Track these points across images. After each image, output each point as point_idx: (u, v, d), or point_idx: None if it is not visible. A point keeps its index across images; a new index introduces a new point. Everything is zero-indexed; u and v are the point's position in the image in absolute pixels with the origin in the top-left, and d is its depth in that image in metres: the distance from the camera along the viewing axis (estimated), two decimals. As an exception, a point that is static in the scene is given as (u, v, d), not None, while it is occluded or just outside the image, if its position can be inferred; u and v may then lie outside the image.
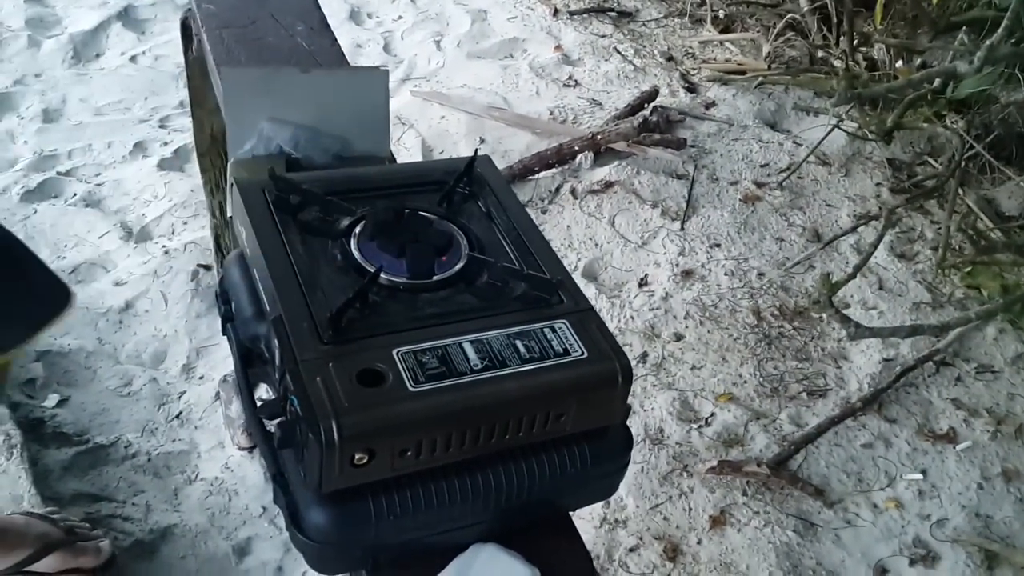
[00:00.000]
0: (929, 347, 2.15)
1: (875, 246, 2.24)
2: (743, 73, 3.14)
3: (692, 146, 2.75)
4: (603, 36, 3.36)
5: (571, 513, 0.85)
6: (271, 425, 0.73)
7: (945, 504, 1.83)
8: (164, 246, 2.26)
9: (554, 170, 2.61)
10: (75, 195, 2.42)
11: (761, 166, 2.73)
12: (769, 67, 3.16)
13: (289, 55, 1.33)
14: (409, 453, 0.69)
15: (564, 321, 0.77)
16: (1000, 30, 2.23)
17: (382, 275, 0.77)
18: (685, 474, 1.84)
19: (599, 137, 2.63)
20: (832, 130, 2.77)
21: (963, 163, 2.62)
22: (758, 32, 3.41)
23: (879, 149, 2.87)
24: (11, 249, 1.06)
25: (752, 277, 2.34)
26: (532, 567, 0.75)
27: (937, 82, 2.79)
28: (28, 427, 1.76)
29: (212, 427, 1.85)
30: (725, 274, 2.33)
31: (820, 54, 3.23)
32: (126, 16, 3.23)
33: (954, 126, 2.82)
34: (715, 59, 3.28)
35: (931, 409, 2.04)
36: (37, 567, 1.42)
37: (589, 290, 2.23)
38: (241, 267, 0.85)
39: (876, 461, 1.91)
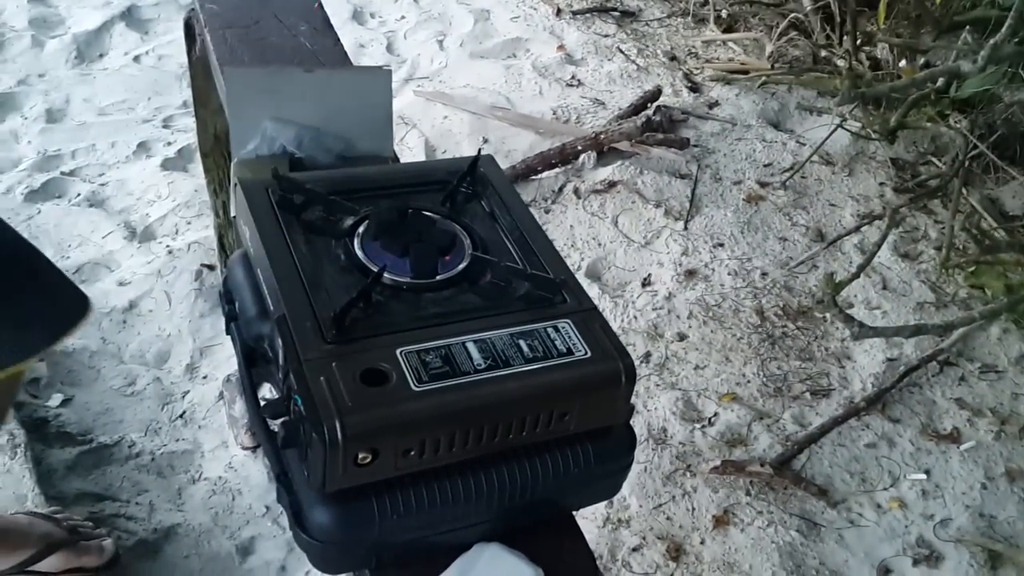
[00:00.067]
0: (933, 347, 2.15)
1: (879, 246, 2.24)
2: (746, 73, 3.14)
3: (695, 146, 2.75)
4: (606, 36, 3.36)
5: (574, 513, 0.85)
6: (275, 425, 0.73)
7: (949, 504, 1.83)
8: (168, 246, 2.26)
9: (557, 170, 2.61)
10: (79, 195, 2.43)
11: (764, 166, 2.73)
12: (772, 67, 3.16)
13: (292, 55, 1.34)
14: (412, 453, 0.69)
15: (567, 321, 0.77)
16: (1004, 29, 2.22)
17: (385, 275, 0.77)
18: (688, 474, 1.84)
19: (602, 137, 2.63)
20: (835, 130, 2.76)
21: (967, 163, 2.62)
22: (761, 32, 3.41)
23: (883, 149, 2.86)
24: (29, 258, 1.07)
25: (755, 277, 2.33)
26: (535, 567, 0.75)
27: (940, 81, 2.79)
28: (32, 426, 1.76)
29: (216, 427, 1.86)
30: (728, 274, 2.33)
31: (823, 53, 3.23)
32: (129, 16, 3.23)
33: (958, 126, 2.82)
34: (718, 59, 3.27)
35: (935, 409, 2.03)
36: (40, 567, 1.42)
37: (592, 290, 2.23)
38: (245, 267, 0.85)
39: (880, 461, 1.91)
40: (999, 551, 1.74)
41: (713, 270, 2.34)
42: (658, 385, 2.02)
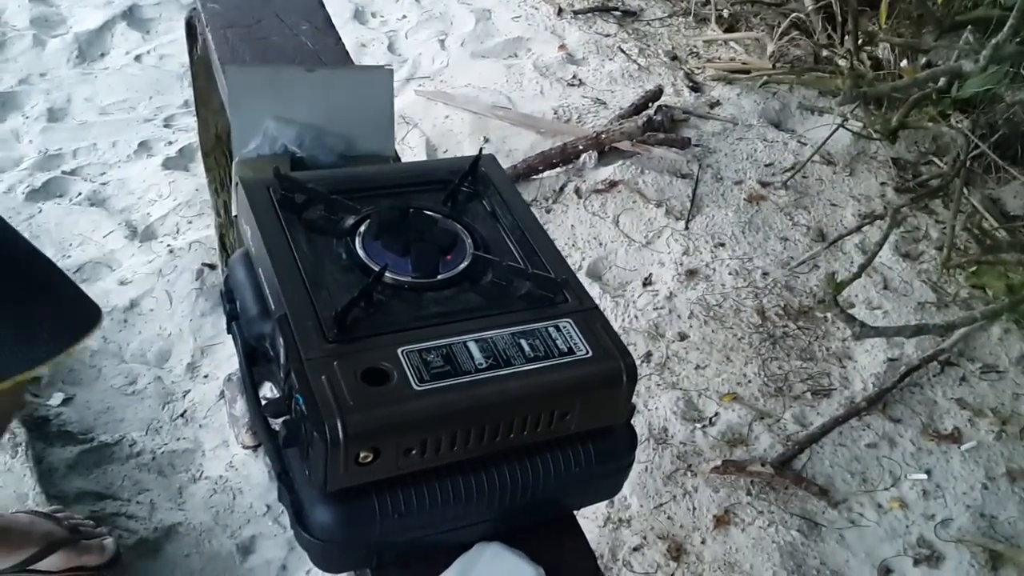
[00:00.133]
0: (934, 347, 2.15)
1: (880, 246, 2.23)
2: (747, 72, 3.14)
3: (696, 145, 2.75)
4: (607, 35, 3.36)
5: (575, 512, 0.85)
6: (276, 423, 0.73)
7: (949, 504, 1.83)
8: (169, 245, 2.26)
9: (558, 169, 2.61)
10: (80, 194, 2.43)
11: (765, 165, 2.73)
12: (773, 66, 3.15)
13: (294, 54, 1.34)
14: (414, 452, 0.69)
15: (569, 320, 0.77)
16: (1005, 29, 2.22)
17: (387, 274, 0.77)
18: (689, 474, 1.84)
19: (603, 136, 2.63)
20: (837, 129, 2.76)
21: (968, 162, 2.62)
22: (762, 31, 3.41)
23: (884, 148, 2.86)
24: (41, 268, 1.07)
25: (756, 277, 2.33)
26: (536, 566, 0.75)
27: (942, 81, 2.79)
28: (33, 425, 1.76)
29: (217, 426, 1.86)
30: (729, 274, 2.33)
31: (825, 53, 3.23)
32: (131, 15, 3.23)
33: (959, 125, 2.82)
34: (719, 58, 3.27)
35: (936, 409, 2.03)
36: (41, 566, 1.43)
37: (593, 289, 2.23)
38: (246, 266, 0.85)
39: (880, 461, 1.91)
40: (1000, 551, 1.74)
41: (714, 270, 2.34)
42: (659, 385, 2.02)
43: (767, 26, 3.45)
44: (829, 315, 2.20)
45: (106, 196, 2.44)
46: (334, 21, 1.46)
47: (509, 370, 0.72)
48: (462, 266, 0.81)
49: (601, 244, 2.39)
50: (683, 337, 2.15)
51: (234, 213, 0.95)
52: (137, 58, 3.05)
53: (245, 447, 1.80)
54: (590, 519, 1.72)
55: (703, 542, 1.72)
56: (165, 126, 2.74)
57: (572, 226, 2.43)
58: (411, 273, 0.80)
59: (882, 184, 2.72)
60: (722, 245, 2.41)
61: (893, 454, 1.92)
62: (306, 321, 0.72)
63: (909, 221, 2.59)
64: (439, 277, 0.80)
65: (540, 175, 2.59)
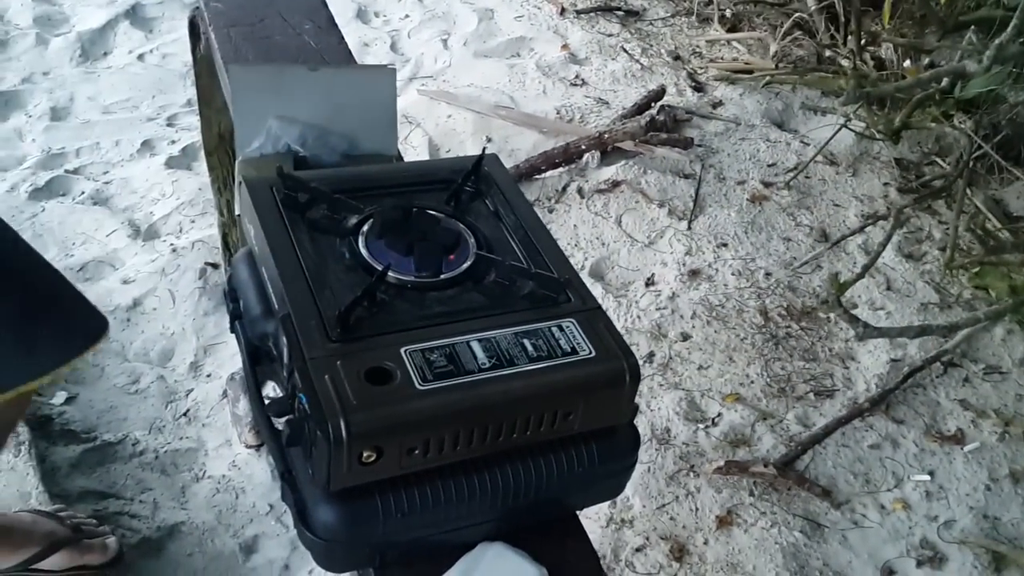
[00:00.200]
0: (937, 348, 2.15)
1: (883, 246, 2.23)
2: (750, 72, 3.13)
3: (699, 145, 2.74)
4: (610, 35, 3.36)
5: (578, 512, 0.85)
6: (279, 423, 0.73)
7: (953, 505, 1.83)
8: (172, 244, 2.27)
9: (561, 169, 2.61)
10: (83, 193, 2.43)
11: (768, 166, 2.73)
12: (776, 66, 3.15)
13: (297, 53, 1.34)
14: (417, 451, 0.69)
15: (572, 320, 0.77)
16: (1009, 29, 2.22)
17: (390, 273, 0.77)
18: (692, 474, 1.84)
19: (606, 136, 2.63)
20: (840, 130, 2.76)
21: (971, 163, 2.61)
22: (765, 31, 3.41)
23: (887, 149, 2.86)
24: (46, 278, 1.07)
25: (759, 277, 2.33)
26: (539, 566, 0.75)
27: (945, 82, 2.78)
28: (36, 424, 1.76)
29: (219, 425, 1.86)
30: (732, 274, 2.32)
31: (828, 53, 3.22)
32: (134, 14, 3.24)
33: (962, 126, 2.81)
34: (722, 58, 3.27)
35: (939, 410, 2.03)
36: (44, 565, 1.43)
37: (596, 289, 2.23)
38: (249, 265, 0.85)
39: (883, 462, 1.90)
40: (1003, 552, 1.74)
41: (717, 270, 2.33)
42: (662, 385, 2.02)
43: (770, 26, 3.45)
44: (832, 316, 2.20)
45: (109, 195, 2.44)
46: (337, 20, 1.46)
47: (512, 370, 0.72)
48: (465, 266, 0.81)
49: (604, 244, 2.39)
50: (686, 337, 2.15)
51: (237, 212, 0.95)
52: (140, 57, 3.05)
53: (248, 446, 1.80)
54: (593, 519, 1.72)
55: (706, 543, 1.72)
56: (168, 125, 2.74)
57: (575, 226, 2.43)
58: (414, 272, 0.79)
59: (885, 184, 2.72)
60: (725, 245, 2.41)
61: (896, 455, 1.92)
62: (309, 320, 0.72)
63: (912, 222, 2.58)
64: (442, 277, 0.80)
65: (543, 175, 2.59)
